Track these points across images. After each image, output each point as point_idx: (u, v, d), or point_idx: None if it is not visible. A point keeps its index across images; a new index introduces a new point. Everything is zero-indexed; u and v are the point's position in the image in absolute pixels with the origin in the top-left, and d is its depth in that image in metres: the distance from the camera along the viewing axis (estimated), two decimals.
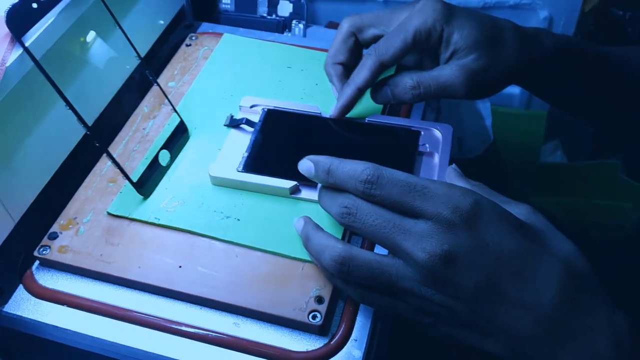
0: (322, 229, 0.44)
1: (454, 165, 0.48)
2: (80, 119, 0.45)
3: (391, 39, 0.52)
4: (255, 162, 0.52)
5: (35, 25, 0.45)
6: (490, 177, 0.89)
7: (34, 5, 0.43)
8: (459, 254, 0.37)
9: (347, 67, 0.56)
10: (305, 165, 0.44)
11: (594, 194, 1.07)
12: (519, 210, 0.42)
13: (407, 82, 0.52)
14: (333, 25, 0.91)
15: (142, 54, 0.61)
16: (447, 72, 0.51)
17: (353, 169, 0.40)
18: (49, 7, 0.44)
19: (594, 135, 1.18)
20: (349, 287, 0.43)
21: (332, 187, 0.42)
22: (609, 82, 0.60)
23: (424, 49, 0.54)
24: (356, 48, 0.56)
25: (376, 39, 0.55)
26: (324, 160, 0.42)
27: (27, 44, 0.44)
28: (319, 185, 0.44)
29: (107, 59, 0.55)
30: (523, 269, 0.38)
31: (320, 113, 0.56)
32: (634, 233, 0.72)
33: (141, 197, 0.51)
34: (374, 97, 0.54)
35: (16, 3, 0.42)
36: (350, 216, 0.40)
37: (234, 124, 0.56)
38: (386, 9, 0.56)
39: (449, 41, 0.51)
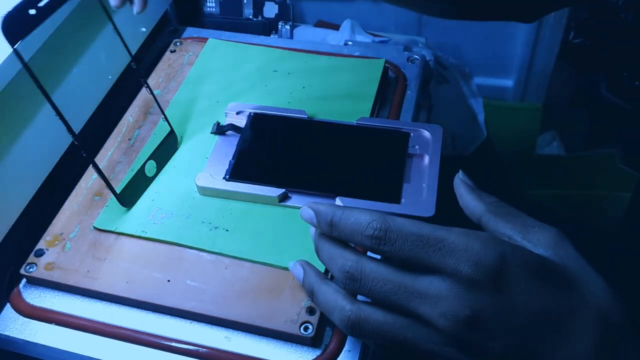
0: (326, 280, 0.40)
1: (461, 174, 0.42)
2: (68, 127, 0.44)
3: None
4: (242, 169, 0.51)
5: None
6: (486, 173, 0.88)
7: (32, 12, 0.41)
8: (484, 318, 0.33)
9: None
10: (307, 214, 0.40)
11: (593, 185, 1.06)
12: (544, 237, 0.38)
13: None
14: (322, 24, 0.90)
15: (126, 62, 0.60)
16: None
17: (358, 222, 0.36)
18: (46, 14, 0.42)
19: (590, 124, 1.17)
20: (362, 339, 0.41)
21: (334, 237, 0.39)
22: None
23: None
24: None
25: None
26: (326, 210, 0.38)
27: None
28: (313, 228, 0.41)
29: (91, 69, 0.54)
30: (555, 327, 0.34)
31: (307, 117, 0.55)
32: (625, 222, 0.70)
33: (128, 210, 0.50)
34: None
35: (13, 10, 0.40)
36: (354, 282, 0.36)
37: (220, 131, 0.55)
38: None
39: None
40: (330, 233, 0.38)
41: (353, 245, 0.38)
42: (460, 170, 0.43)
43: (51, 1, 0.43)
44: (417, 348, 0.36)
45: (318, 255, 0.40)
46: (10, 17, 0.40)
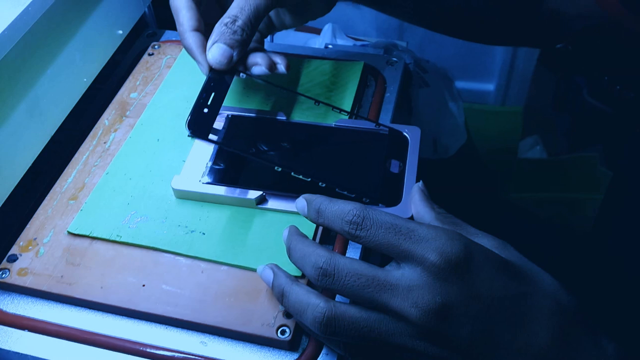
0: (297, 281, 0.41)
1: (420, 184, 0.46)
2: None
3: None
4: (220, 172, 0.51)
5: None
6: (469, 177, 0.88)
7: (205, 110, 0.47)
8: (452, 306, 0.36)
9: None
10: (300, 203, 0.42)
11: (575, 188, 1.07)
12: (488, 242, 0.41)
13: (223, 20, 0.47)
14: (303, 28, 0.90)
15: (102, 65, 0.60)
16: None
17: (340, 209, 0.39)
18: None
19: (572, 127, 1.18)
20: (333, 344, 0.41)
21: (321, 225, 0.41)
22: None
23: None
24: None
25: None
26: (316, 199, 0.41)
27: None
28: (290, 228, 0.42)
29: (66, 71, 0.54)
30: (515, 313, 0.37)
31: (285, 119, 0.54)
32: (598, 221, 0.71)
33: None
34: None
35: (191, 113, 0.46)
36: (327, 278, 0.38)
37: None
38: None
39: None
40: (317, 220, 0.41)
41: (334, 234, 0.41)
42: (420, 180, 0.46)
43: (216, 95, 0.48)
44: (389, 344, 0.37)
45: (290, 256, 0.41)
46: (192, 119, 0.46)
